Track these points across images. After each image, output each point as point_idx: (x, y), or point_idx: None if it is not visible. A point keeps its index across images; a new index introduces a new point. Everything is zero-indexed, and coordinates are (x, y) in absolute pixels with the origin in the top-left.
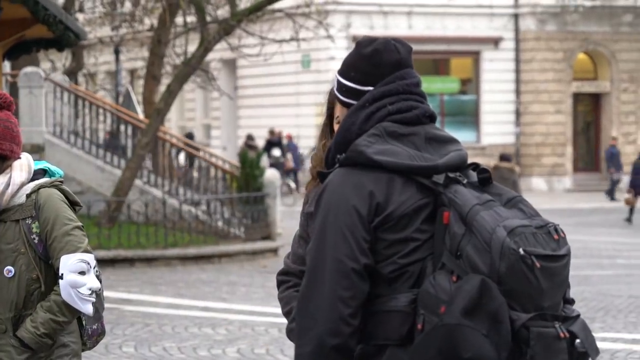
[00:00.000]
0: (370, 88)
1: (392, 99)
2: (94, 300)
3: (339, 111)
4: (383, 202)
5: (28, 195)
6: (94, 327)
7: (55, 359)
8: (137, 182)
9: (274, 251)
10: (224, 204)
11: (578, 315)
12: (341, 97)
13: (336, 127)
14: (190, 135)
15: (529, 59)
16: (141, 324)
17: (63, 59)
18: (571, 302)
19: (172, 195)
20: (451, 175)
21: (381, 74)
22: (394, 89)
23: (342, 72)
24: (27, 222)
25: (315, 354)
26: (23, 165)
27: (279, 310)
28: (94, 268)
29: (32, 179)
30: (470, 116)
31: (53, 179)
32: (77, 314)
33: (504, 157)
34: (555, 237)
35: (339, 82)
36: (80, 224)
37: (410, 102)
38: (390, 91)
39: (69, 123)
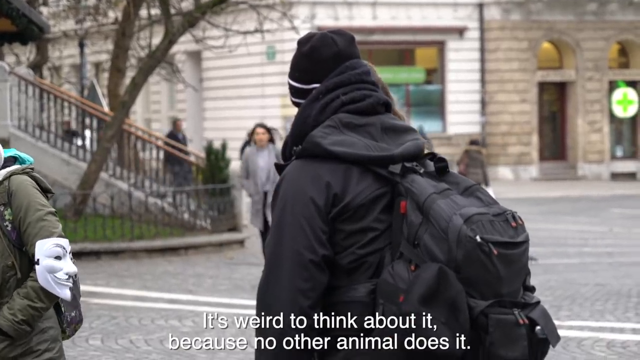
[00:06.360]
0: (316, 85)
1: (345, 89)
2: (71, 285)
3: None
4: (340, 193)
5: (0, 183)
6: (72, 314)
7: (34, 345)
8: (103, 175)
9: (240, 243)
10: (190, 196)
11: (538, 302)
12: (292, 99)
13: None
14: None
15: (493, 49)
16: (108, 316)
17: (27, 52)
18: (531, 289)
19: (137, 188)
20: (408, 165)
21: (322, 70)
22: (346, 79)
23: (289, 74)
24: None
25: (278, 344)
26: None
27: (245, 301)
28: (69, 253)
29: (3, 167)
30: (435, 106)
31: (24, 165)
32: (54, 300)
33: (473, 142)
34: (513, 224)
35: (289, 84)
36: (53, 209)
37: (363, 91)
38: (342, 81)
39: (34, 116)
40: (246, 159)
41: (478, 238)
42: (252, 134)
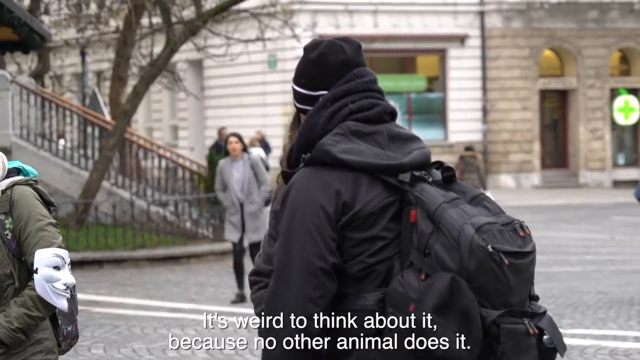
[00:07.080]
0: (323, 92)
1: (353, 97)
2: (68, 295)
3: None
4: (350, 201)
5: (3, 192)
6: (69, 329)
7: (29, 356)
8: (105, 183)
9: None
10: (192, 205)
11: (545, 312)
12: (297, 105)
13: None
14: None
15: (495, 56)
16: (110, 325)
17: (29, 61)
18: (536, 298)
19: (140, 197)
20: (417, 173)
21: (330, 77)
22: (353, 87)
23: (294, 80)
24: (0, 218)
25: (285, 353)
26: None
27: (247, 310)
28: (68, 265)
29: (6, 177)
30: (437, 114)
31: (27, 177)
32: (51, 310)
33: (467, 148)
34: (521, 234)
35: (293, 89)
36: (54, 221)
37: (370, 99)
38: (350, 90)
39: (36, 125)
40: (220, 171)
41: (490, 248)
42: (225, 143)
